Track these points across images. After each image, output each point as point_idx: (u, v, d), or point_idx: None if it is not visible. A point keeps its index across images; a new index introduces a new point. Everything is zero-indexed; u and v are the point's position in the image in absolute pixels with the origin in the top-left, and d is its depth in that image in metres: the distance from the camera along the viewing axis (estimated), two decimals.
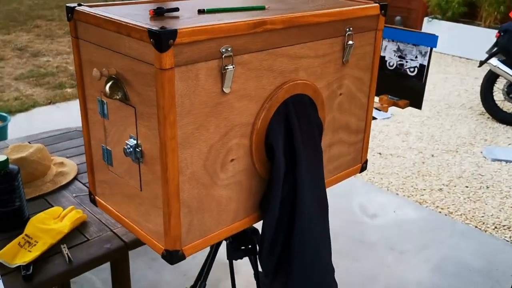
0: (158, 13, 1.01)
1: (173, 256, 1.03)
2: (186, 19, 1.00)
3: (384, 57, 1.85)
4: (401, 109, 1.81)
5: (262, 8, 1.13)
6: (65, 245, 1.39)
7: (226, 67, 0.97)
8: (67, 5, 1.08)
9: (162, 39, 0.85)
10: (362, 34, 1.27)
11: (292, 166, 1.14)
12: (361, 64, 1.30)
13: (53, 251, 1.40)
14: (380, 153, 3.92)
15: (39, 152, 1.74)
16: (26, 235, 1.41)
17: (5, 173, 1.44)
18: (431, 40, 1.70)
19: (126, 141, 1.03)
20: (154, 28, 0.86)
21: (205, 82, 0.96)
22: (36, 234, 1.42)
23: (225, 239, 1.34)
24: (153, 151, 0.98)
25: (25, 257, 1.34)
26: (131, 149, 1.01)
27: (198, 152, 1.00)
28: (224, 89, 0.99)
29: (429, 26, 6.85)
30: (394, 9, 7.37)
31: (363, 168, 1.46)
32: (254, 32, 1.00)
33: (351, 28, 1.22)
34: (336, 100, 1.27)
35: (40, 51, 6.08)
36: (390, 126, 4.45)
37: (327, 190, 1.26)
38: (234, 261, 1.42)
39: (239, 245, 1.38)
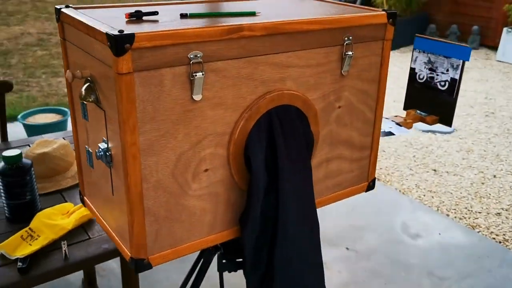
0: (136, 17, 0.99)
1: (137, 265, 1.01)
2: (164, 23, 0.98)
3: (414, 69, 1.73)
4: (428, 125, 1.68)
5: (252, 14, 1.09)
6: (65, 242, 1.41)
7: (195, 74, 0.93)
8: (56, 6, 1.09)
9: (118, 43, 0.83)
10: (366, 44, 1.18)
11: (275, 180, 1.09)
12: (365, 76, 1.22)
13: (53, 246, 1.43)
14: (435, 170, 3.71)
15: (63, 148, 1.79)
16: (30, 228, 1.45)
17: (17, 167, 1.49)
18: (464, 52, 1.56)
19: (99, 144, 1.02)
20: (111, 32, 0.84)
21: (172, 89, 0.93)
22: (39, 229, 1.46)
23: (216, 250, 1.30)
24: (118, 156, 0.96)
25: (25, 250, 1.38)
26: (102, 153, 1.00)
27: (164, 160, 0.97)
28: (194, 97, 0.96)
29: (509, 37, 6.41)
30: (472, 18, 6.98)
31: (370, 187, 1.37)
32: (229, 38, 0.95)
33: (350, 37, 1.14)
34: (334, 113, 1.20)
35: None
36: (451, 141, 4.20)
37: (331, 206, 1.19)
38: (227, 272, 1.38)
39: (232, 257, 1.33)
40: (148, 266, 1.02)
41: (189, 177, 1.01)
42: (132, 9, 1.09)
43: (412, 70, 1.73)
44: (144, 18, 1.01)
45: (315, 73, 1.12)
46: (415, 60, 1.71)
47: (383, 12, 1.18)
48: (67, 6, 1.09)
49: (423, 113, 1.70)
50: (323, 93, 1.16)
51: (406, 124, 1.61)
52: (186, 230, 1.05)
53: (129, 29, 0.88)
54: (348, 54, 1.15)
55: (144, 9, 1.03)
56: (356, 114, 1.25)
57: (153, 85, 0.91)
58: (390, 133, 1.52)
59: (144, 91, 0.90)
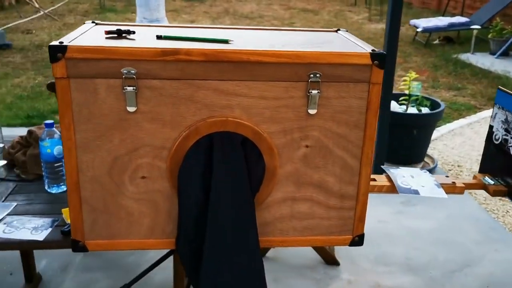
0: (115, 33, 1.15)
1: (74, 245, 1.16)
2: (137, 42, 1.11)
3: (492, 127, 1.46)
4: (490, 195, 1.40)
5: (225, 42, 1.13)
6: None
7: (125, 88, 1.04)
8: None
9: (52, 52, 1.01)
10: (342, 85, 1.10)
11: (207, 201, 1.11)
12: (342, 119, 1.13)
13: None
14: None
15: None
16: None
17: None
18: None
19: None
20: (53, 43, 1.02)
21: (106, 97, 1.06)
22: None
23: None
24: None
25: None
26: None
27: (100, 159, 1.10)
28: (128, 108, 1.07)
29: None
30: None
31: (356, 242, 1.24)
32: (163, 60, 1.03)
33: (317, 75, 1.08)
34: (299, 151, 1.14)
35: None
36: None
37: None
38: None
39: None
40: (83, 249, 1.17)
41: (126, 179, 1.12)
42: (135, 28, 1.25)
43: (490, 128, 1.47)
44: (124, 35, 1.16)
45: (272, 107, 1.10)
46: (494, 117, 1.46)
47: (366, 52, 1.08)
48: (93, 22, 1.31)
49: (491, 181, 1.43)
50: (284, 128, 1.12)
51: (451, 188, 1.39)
52: (124, 227, 1.16)
53: (77, 42, 1.05)
54: (312, 93, 1.09)
55: (130, 28, 1.18)
56: (331, 158, 1.16)
57: (88, 92, 1.05)
58: (415, 192, 1.34)
59: (79, 95, 1.05)
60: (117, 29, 1.15)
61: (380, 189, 1.36)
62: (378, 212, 3.28)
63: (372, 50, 1.09)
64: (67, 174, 1.10)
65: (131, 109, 1.07)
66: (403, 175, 1.41)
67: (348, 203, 1.20)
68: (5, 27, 6.76)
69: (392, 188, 1.35)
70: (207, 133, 1.10)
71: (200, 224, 1.13)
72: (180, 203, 1.12)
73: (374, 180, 1.37)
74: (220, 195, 1.11)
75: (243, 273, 1.14)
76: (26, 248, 1.95)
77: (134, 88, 1.05)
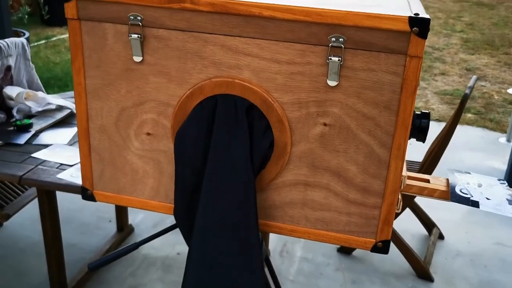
0: None
1: (83, 193, 1.16)
2: None
3: None
4: None
5: None
6: None
7: (130, 35, 0.98)
8: None
9: None
10: (372, 54, 0.90)
11: (203, 170, 1.01)
12: (370, 97, 0.93)
13: None
14: None
15: None
16: None
17: None
18: None
19: None
20: None
21: (114, 44, 1.01)
22: None
23: None
24: None
25: None
26: None
27: (108, 108, 1.07)
28: (134, 57, 1.01)
29: None
30: None
31: (379, 248, 1.03)
32: (169, 7, 0.95)
33: (341, 40, 0.90)
34: (316, 129, 0.98)
35: (486, 75, 5.95)
36: None
37: None
38: None
39: None
40: (92, 198, 1.15)
41: (132, 134, 1.07)
42: None
43: None
44: None
45: (286, 72, 0.95)
46: None
47: (403, 16, 0.87)
48: None
49: None
50: (298, 100, 0.96)
51: None
52: (129, 183, 1.12)
53: None
54: (331, 60, 0.91)
55: None
56: (354, 143, 0.97)
57: (97, 36, 1.02)
58: (473, 203, 1.07)
59: (89, 40, 1.02)
60: None
61: (431, 193, 1.11)
62: (498, 233, 2.83)
63: (414, 14, 0.87)
64: (78, 120, 1.09)
65: (137, 58, 1.01)
66: (468, 181, 1.14)
67: (372, 199, 1.00)
68: None
69: (445, 194, 1.10)
70: (211, 94, 0.99)
71: (196, 194, 1.03)
72: (176, 168, 1.03)
73: (428, 181, 1.13)
74: (217, 165, 1.00)
75: (235, 258, 1.03)
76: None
77: (139, 36, 0.98)
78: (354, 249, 2.63)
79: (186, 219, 1.07)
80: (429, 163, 2.37)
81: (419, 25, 0.86)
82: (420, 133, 1.07)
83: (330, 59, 0.91)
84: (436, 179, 1.15)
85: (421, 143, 1.10)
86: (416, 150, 2.59)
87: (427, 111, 1.07)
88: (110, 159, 1.11)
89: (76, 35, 1.02)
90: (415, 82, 0.90)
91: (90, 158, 1.12)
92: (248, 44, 0.95)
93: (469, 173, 1.20)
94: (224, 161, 0.99)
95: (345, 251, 2.63)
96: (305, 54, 0.93)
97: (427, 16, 0.86)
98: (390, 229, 1.02)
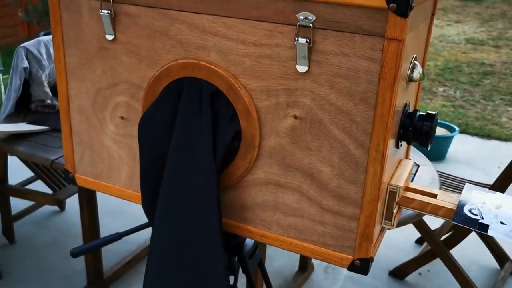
0: None
1: (66, 175, 1.13)
2: None
3: None
4: None
5: None
6: None
7: (101, 11, 0.94)
8: None
9: None
10: (345, 36, 0.77)
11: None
12: (344, 87, 0.79)
13: None
14: None
15: None
16: None
17: None
18: None
19: None
20: None
21: (89, 21, 0.97)
22: None
23: None
24: None
25: None
26: None
27: (85, 89, 1.03)
28: (106, 35, 0.96)
29: None
30: None
31: (357, 267, 0.88)
32: None
33: (310, 18, 0.78)
34: (286, 122, 0.85)
35: None
36: None
37: None
38: None
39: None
40: (73, 181, 1.12)
41: (107, 116, 1.03)
42: None
43: None
44: None
45: (253, 55, 0.84)
46: None
47: None
48: None
49: None
50: (267, 87, 0.85)
51: None
52: (106, 169, 1.07)
53: None
54: (299, 42, 0.79)
55: None
56: (328, 140, 0.83)
57: (74, 13, 0.98)
58: (480, 227, 0.87)
59: (66, 16, 0.99)
60: None
61: (435, 211, 0.93)
62: None
63: None
64: (59, 100, 1.07)
65: (109, 37, 0.96)
66: (484, 201, 0.94)
67: (349, 209, 0.86)
68: None
69: (451, 213, 0.91)
70: (178, 76, 0.91)
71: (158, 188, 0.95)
72: (140, 155, 0.97)
73: (435, 196, 0.95)
74: (178, 156, 0.91)
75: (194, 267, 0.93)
76: None
77: (110, 12, 0.93)
78: (407, 273, 2.40)
79: (152, 212, 0.99)
80: (498, 185, 2.09)
81: (398, 2, 0.71)
82: (422, 136, 0.90)
83: (297, 40, 0.79)
84: (446, 195, 0.97)
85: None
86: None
87: (433, 112, 0.90)
88: (88, 142, 1.07)
89: (55, 11, 1.00)
90: (395, 71, 0.75)
91: (71, 140, 1.09)
92: (215, 23, 0.86)
93: (494, 192, 1.00)
94: (185, 152, 0.91)
95: (398, 275, 2.40)
96: (272, 35, 0.82)
97: None
98: (370, 246, 0.86)
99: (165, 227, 0.94)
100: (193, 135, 0.90)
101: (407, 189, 0.95)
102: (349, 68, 0.78)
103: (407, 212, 1.47)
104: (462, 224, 0.89)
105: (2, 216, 2.51)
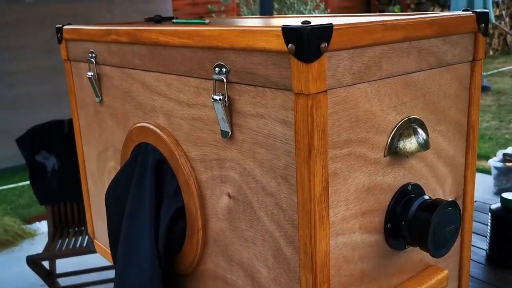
0: (153, 20, 1.00)
1: (89, 238, 1.10)
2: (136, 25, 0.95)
3: None
4: None
5: (202, 23, 0.80)
6: None
7: (87, 74, 0.90)
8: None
9: (56, 33, 0.99)
10: (258, 91, 0.57)
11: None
12: (265, 160, 0.58)
13: None
14: None
15: None
16: None
17: None
18: None
19: None
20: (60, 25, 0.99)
21: (87, 83, 0.95)
22: None
23: None
24: None
25: None
26: None
27: (92, 152, 1.00)
28: (95, 98, 0.92)
29: None
30: None
31: None
32: (105, 41, 0.83)
33: (224, 70, 0.60)
34: (222, 201, 0.67)
35: None
36: None
37: None
38: None
39: None
40: (93, 247, 1.09)
41: (105, 179, 0.97)
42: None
43: None
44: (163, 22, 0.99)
45: (188, 117, 0.69)
46: None
47: (277, 26, 0.51)
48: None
49: None
50: (203, 156, 0.68)
51: None
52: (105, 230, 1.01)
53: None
54: (214, 99, 0.61)
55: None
56: (260, 231, 0.61)
57: (78, 76, 0.97)
58: None
59: (76, 80, 0.99)
60: (156, 15, 1.00)
61: None
62: None
63: (301, 22, 0.51)
64: (79, 162, 1.06)
65: (97, 99, 0.92)
66: None
67: None
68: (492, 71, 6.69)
69: None
70: (138, 141, 0.81)
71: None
72: (107, 225, 0.87)
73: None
74: (126, 231, 0.79)
75: None
76: None
77: (93, 74, 0.89)
78: None
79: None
80: None
81: (296, 41, 0.49)
82: (415, 234, 0.61)
83: (213, 98, 0.62)
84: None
85: None
86: None
87: (451, 200, 0.60)
88: (98, 207, 1.03)
89: (69, 76, 1.01)
90: (308, 138, 0.52)
91: (89, 203, 1.07)
92: (159, 81, 0.74)
93: None
94: (131, 227, 0.78)
95: None
96: (199, 92, 0.66)
97: (321, 23, 0.49)
98: None
99: None
100: (138, 209, 0.77)
101: None
102: (266, 134, 0.57)
103: None
104: None
105: None
